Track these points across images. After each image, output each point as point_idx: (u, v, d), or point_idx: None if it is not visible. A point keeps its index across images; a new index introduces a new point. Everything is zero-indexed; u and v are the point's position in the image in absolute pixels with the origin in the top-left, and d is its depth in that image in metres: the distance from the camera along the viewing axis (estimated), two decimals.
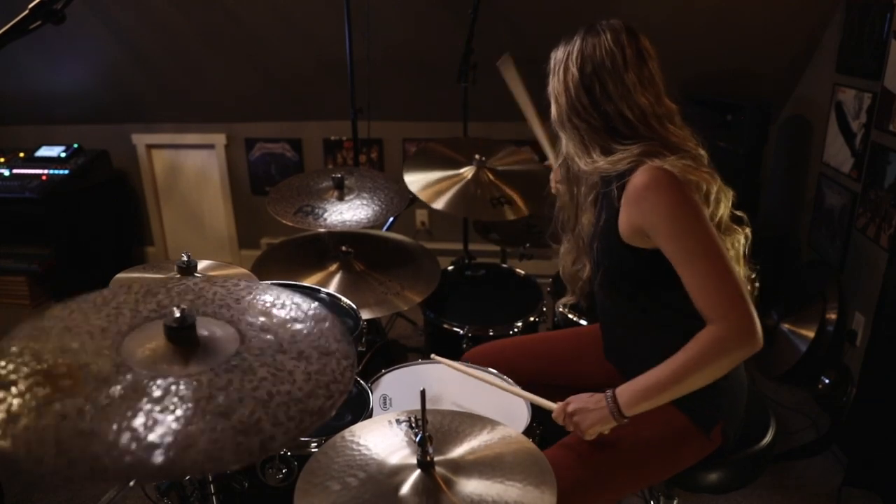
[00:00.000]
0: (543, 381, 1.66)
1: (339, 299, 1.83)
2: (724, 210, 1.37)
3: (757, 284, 1.47)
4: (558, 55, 1.41)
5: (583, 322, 2.08)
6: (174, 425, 0.82)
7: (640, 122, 1.34)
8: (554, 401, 1.50)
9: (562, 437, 1.42)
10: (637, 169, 1.29)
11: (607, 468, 1.36)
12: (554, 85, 1.41)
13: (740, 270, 1.39)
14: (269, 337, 1.00)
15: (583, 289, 1.66)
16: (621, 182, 1.33)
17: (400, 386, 1.62)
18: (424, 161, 2.40)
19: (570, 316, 2.13)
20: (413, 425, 1.15)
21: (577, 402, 1.34)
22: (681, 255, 1.25)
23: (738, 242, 1.39)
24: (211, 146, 3.82)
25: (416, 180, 2.27)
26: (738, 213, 1.40)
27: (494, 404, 1.52)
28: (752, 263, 1.43)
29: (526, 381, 1.58)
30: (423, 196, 2.23)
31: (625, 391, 1.29)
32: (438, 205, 2.21)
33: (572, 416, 1.33)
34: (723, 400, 1.40)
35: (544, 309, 2.24)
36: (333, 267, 2.07)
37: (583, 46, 1.36)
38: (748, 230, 1.41)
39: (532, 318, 2.18)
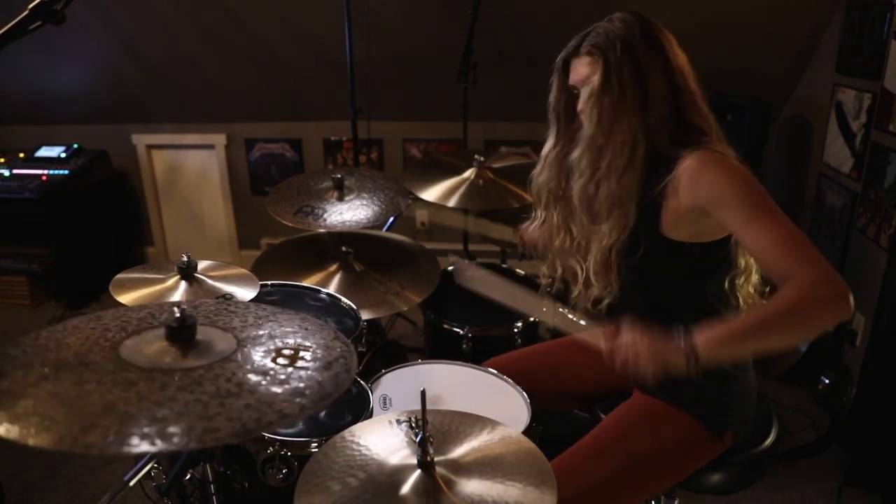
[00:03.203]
0: (563, 391, 1.67)
1: (339, 299, 1.83)
2: None
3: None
4: (614, 50, 1.28)
5: (583, 322, 2.07)
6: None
7: (701, 100, 1.33)
8: (568, 409, 1.50)
9: (563, 437, 1.42)
10: (683, 158, 1.27)
11: (620, 476, 1.35)
12: (616, 81, 1.28)
13: (757, 281, 1.40)
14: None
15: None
16: (665, 178, 1.29)
17: (400, 386, 1.62)
18: (424, 172, 2.45)
19: (571, 316, 2.12)
20: (413, 426, 1.15)
21: (635, 333, 1.16)
22: (748, 217, 1.19)
23: None
24: (211, 146, 3.82)
25: (420, 188, 2.32)
26: None
27: (494, 404, 1.52)
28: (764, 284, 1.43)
29: (548, 394, 1.59)
30: (430, 198, 2.27)
31: (700, 334, 1.14)
32: (450, 202, 2.25)
33: (639, 360, 1.14)
34: (735, 404, 1.40)
35: (544, 309, 2.24)
36: (333, 267, 2.07)
37: (634, 30, 1.30)
38: None
39: (532, 318, 2.18)
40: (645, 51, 1.29)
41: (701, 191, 1.24)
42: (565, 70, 1.41)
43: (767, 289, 1.47)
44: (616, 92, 1.29)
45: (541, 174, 1.52)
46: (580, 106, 1.38)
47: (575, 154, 1.39)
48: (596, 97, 1.31)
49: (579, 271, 1.48)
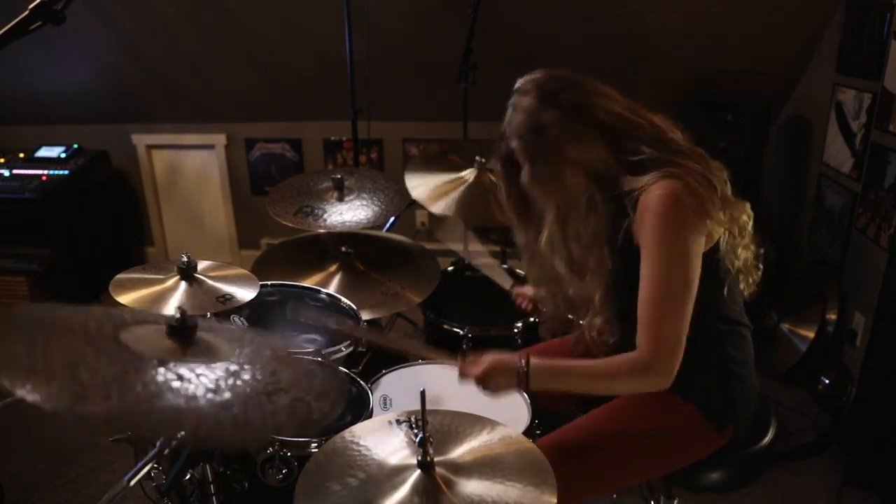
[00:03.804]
0: (554, 394, 1.65)
1: (339, 299, 1.83)
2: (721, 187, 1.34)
3: (760, 267, 1.45)
4: (521, 137, 1.34)
5: (582, 322, 2.07)
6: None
7: (650, 126, 1.33)
8: (568, 409, 1.55)
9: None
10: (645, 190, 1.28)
11: (617, 455, 1.36)
12: (541, 158, 1.34)
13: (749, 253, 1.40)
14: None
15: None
16: (634, 195, 1.30)
17: (400, 386, 1.62)
18: (425, 164, 2.41)
19: (570, 316, 2.12)
20: (413, 426, 1.15)
21: (489, 365, 1.34)
22: (648, 282, 1.26)
23: (744, 217, 1.38)
24: (211, 146, 3.82)
25: (417, 184, 2.27)
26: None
27: (494, 404, 1.52)
28: (758, 246, 1.43)
29: (547, 394, 1.55)
30: (425, 199, 2.23)
31: (538, 368, 1.31)
32: (441, 209, 2.21)
33: (482, 378, 1.33)
34: (739, 399, 1.41)
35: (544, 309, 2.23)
36: (333, 267, 2.07)
37: (534, 99, 1.33)
38: (747, 206, 1.39)
39: (532, 319, 2.18)
40: (555, 115, 1.31)
41: (642, 226, 1.27)
42: (511, 165, 1.43)
43: (762, 251, 1.45)
44: (547, 166, 1.33)
45: (534, 274, 1.56)
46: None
47: (544, 236, 1.41)
48: (533, 182, 1.36)
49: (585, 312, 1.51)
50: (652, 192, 1.26)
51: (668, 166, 1.28)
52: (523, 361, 1.31)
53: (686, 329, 1.25)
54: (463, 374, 1.37)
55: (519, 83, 1.38)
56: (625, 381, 1.28)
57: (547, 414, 1.55)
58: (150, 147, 3.86)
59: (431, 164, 2.41)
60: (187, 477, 1.32)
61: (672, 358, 1.24)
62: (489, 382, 1.33)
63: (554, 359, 1.36)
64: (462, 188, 2.27)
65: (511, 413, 1.49)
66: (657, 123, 1.36)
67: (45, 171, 3.48)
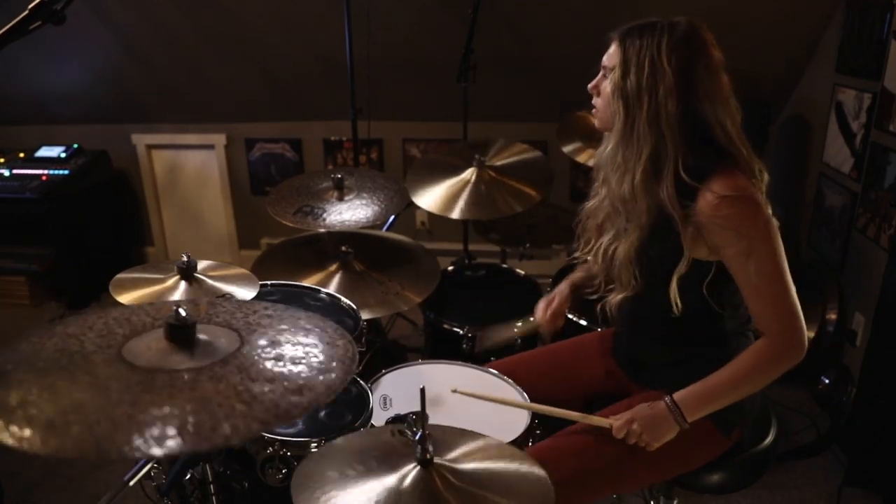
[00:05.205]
0: (565, 394, 1.65)
1: (339, 299, 1.83)
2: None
3: None
4: (636, 49, 1.28)
5: (583, 322, 2.08)
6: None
7: (731, 126, 1.34)
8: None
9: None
10: (711, 179, 1.26)
11: (621, 460, 1.36)
12: (633, 83, 1.27)
13: None
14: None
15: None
16: (690, 192, 1.27)
17: (400, 386, 1.62)
18: (425, 171, 2.44)
19: (570, 316, 2.12)
20: (412, 422, 1.14)
21: (639, 417, 1.34)
22: (747, 274, 1.26)
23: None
24: (211, 146, 3.82)
25: (422, 195, 2.32)
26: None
27: (494, 406, 1.52)
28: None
29: (541, 399, 1.57)
30: (435, 209, 2.27)
31: (684, 398, 1.32)
32: (454, 214, 2.26)
33: (640, 432, 1.32)
34: (745, 403, 1.40)
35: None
36: (333, 267, 2.07)
37: (671, 41, 1.28)
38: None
39: (532, 319, 2.18)
40: (670, 59, 1.27)
41: (715, 224, 1.26)
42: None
43: None
44: (632, 88, 1.28)
45: (605, 149, 1.46)
46: (598, 86, 1.40)
47: (608, 147, 1.37)
48: (616, 90, 1.30)
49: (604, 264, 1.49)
50: (720, 192, 1.25)
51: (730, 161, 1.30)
52: (671, 404, 1.32)
53: (795, 296, 1.28)
54: (618, 434, 1.35)
55: (688, 19, 1.34)
56: (770, 371, 1.29)
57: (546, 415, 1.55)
58: (150, 147, 3.86)
59: (431, 170, 2.45)
60: (187, 477, 1.32)
61: (799, 326, 1.27)
62: (650, 437, 1.32)
63: (690, 387, 1.33)
64: (467, 189, 2.32)
65: (511, 414, 1.49)
66: (745, 148, 1.34)
67: (45, 171, 3.49)
